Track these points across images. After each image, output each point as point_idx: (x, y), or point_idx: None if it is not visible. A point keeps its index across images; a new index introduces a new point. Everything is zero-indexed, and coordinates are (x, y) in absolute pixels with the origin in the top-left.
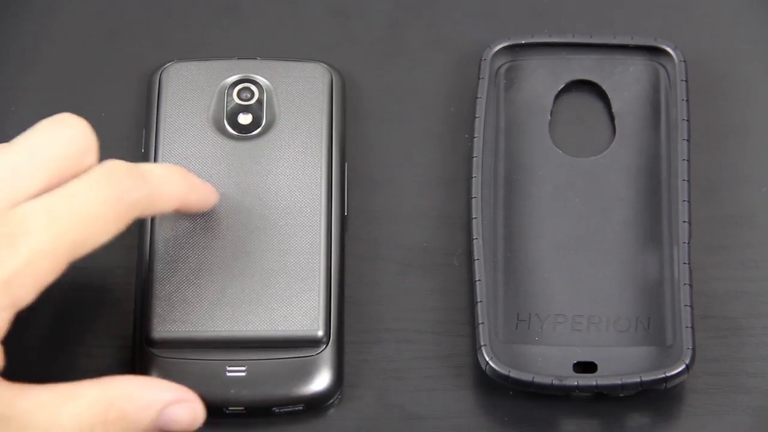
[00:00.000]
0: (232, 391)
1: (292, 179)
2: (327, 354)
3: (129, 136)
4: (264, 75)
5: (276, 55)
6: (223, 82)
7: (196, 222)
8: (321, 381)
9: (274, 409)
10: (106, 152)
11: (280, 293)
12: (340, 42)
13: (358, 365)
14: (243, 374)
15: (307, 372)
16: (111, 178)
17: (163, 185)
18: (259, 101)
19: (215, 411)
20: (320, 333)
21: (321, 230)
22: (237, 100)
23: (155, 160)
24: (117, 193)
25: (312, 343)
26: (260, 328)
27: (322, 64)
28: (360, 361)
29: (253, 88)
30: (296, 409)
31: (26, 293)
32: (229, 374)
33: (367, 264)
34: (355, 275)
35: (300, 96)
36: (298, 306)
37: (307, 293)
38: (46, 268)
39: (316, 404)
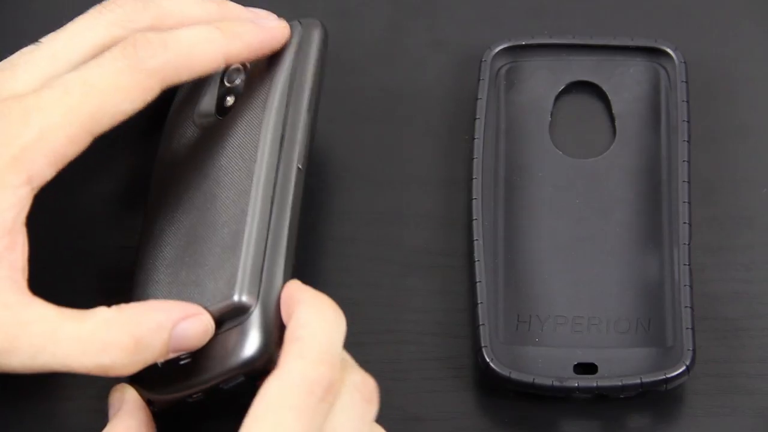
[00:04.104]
0: (184, 381)
1: (237, 141)
2: (255, 317)
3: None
4: None
5: None
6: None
7: (158, 214)
8: (250, 346)
9: (221, 386)
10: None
11: (207, 267)
12: (340, 43)
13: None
14: (189, 360)
15: (238, 341)
16: (127, 50)
17: (192, 49)
18: (241, 80)
19: (180, 405)
20: (237, 298)
21: (255, 189)
22: (226, 84)
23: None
24: (132, 63)
25: (236, 310)
26: None
27: (297, 20)
28: (360, 362)
29: (240, 67)
30: (238, 382)
31: (41, 168)
32: (181, 363)
33: (368, 265)
34: (355, 276)
35: (269, 57)
36: (220, 277)
37: (230, 260)
38: (62, 141)
39: (254, 372)
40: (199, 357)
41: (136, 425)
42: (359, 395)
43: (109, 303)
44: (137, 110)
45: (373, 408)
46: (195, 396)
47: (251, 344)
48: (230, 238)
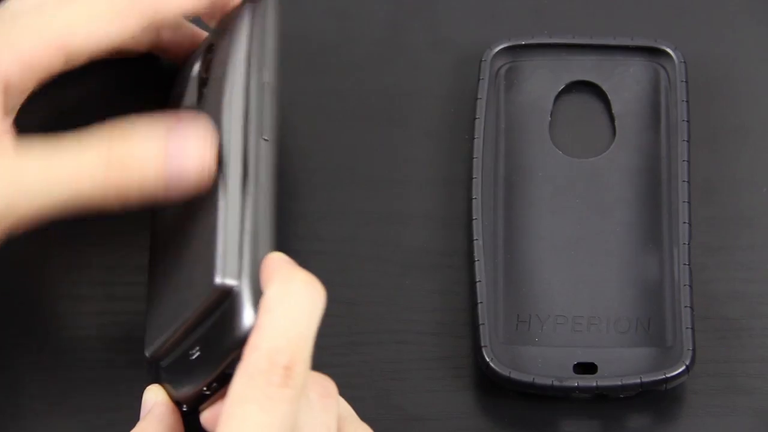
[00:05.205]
0: (199, 372)
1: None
2: (243, 295)
3: None
4: (212, 36)
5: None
6: (194, 68)
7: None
8: (243, 324)
9: (227, 371)
10: None
11: (195, 260)
12: (340, 43)
13: (358, 366)
14: (199, 353)
15: (232, 322)
16: None
17: None
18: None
19: (198, 400)
20: (219, 281)
21: (224, 169)
22: (203, 76)
23: None
24: None
25: (223, 293)
26: (186, 306)
27: None
28: (360, 362)
29: (210, 56)
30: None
31: (11, 70)
32: (193, 359)
33: (368, 265)
34: (355, 276)
35: (228, 36)
36: (204, 266)
37: (210, 247)
38: (32, 47)
39: None
40: (206, 345)
41: (164, 429)
42: (314, 393)
43: (110, 297)
44: (112, 45)
45: (332, 401)
46: (213, 386)
47: (244, 322)
48: (208, 223)
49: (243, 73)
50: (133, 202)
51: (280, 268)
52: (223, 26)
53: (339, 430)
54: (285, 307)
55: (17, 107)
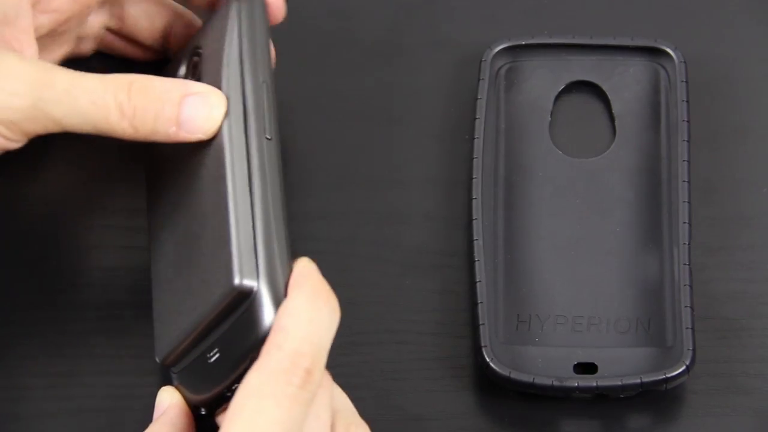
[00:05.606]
0: (219, 375)
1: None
2: (262, 294)
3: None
4: (196, 39)
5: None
6: (180, 71)
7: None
8: (264, 324)
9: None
10: None
11: (207, 262)
12: (340, 43)
13: (358, 366)
14: (218, 355)
15: (252, 322)
16: None
17: None
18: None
19: (217, 402)
20: (237, 282)
21: (231, 170)
22: (191, 78)
23: None
24: None
25: (242, 294)
26: (202, 309)
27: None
28: (360, 362)
29: (196, 59)
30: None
31: None
32: (212, 361)
33: (368, 265)
34: (355, 276)
35: (216, 37)
36: (219, 268)
37: (224, 248)
38: None
39: None
40: (226, 347)
41: None
42: None
43: (109, 299)
44: None
45: (326, 392)
46: (234, 387)
47: (266, 321)
48: (219, 226)
49: (237, 74)
50: (145, 134)
51: (310, 278)
52: (208, 28)
53: (333, 423)
54: (311, 316)
55: (59, 46)
